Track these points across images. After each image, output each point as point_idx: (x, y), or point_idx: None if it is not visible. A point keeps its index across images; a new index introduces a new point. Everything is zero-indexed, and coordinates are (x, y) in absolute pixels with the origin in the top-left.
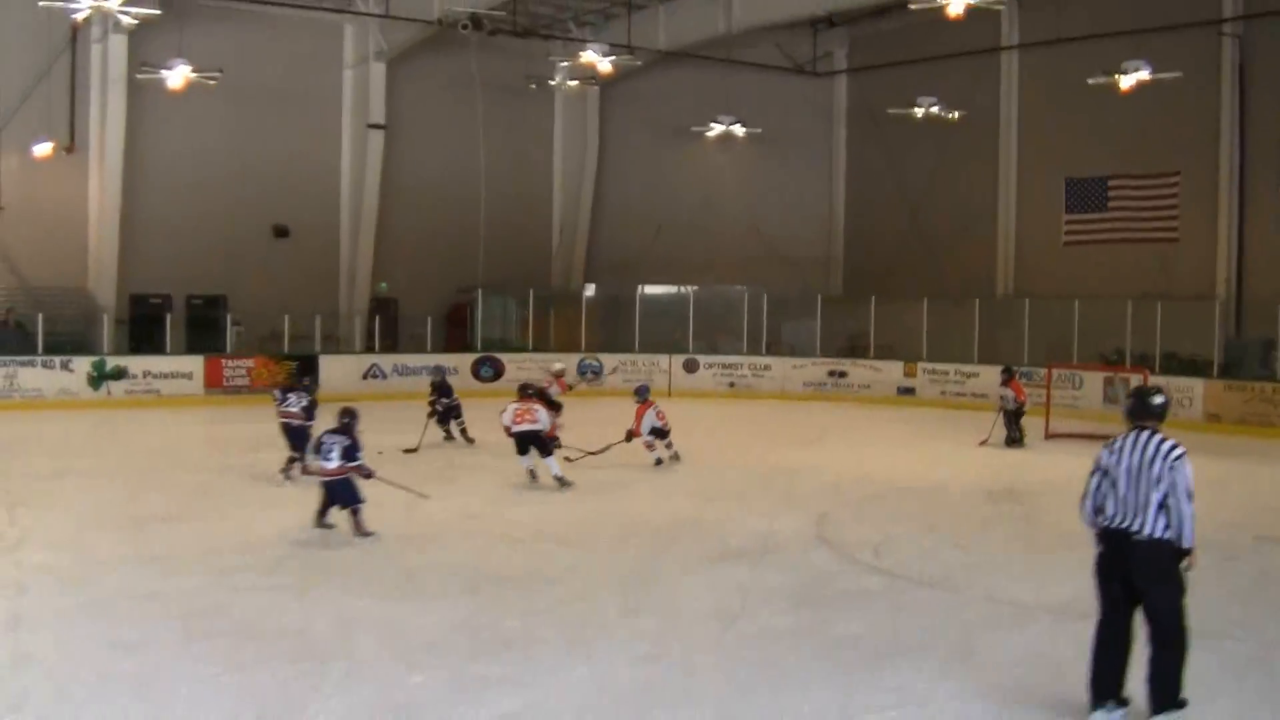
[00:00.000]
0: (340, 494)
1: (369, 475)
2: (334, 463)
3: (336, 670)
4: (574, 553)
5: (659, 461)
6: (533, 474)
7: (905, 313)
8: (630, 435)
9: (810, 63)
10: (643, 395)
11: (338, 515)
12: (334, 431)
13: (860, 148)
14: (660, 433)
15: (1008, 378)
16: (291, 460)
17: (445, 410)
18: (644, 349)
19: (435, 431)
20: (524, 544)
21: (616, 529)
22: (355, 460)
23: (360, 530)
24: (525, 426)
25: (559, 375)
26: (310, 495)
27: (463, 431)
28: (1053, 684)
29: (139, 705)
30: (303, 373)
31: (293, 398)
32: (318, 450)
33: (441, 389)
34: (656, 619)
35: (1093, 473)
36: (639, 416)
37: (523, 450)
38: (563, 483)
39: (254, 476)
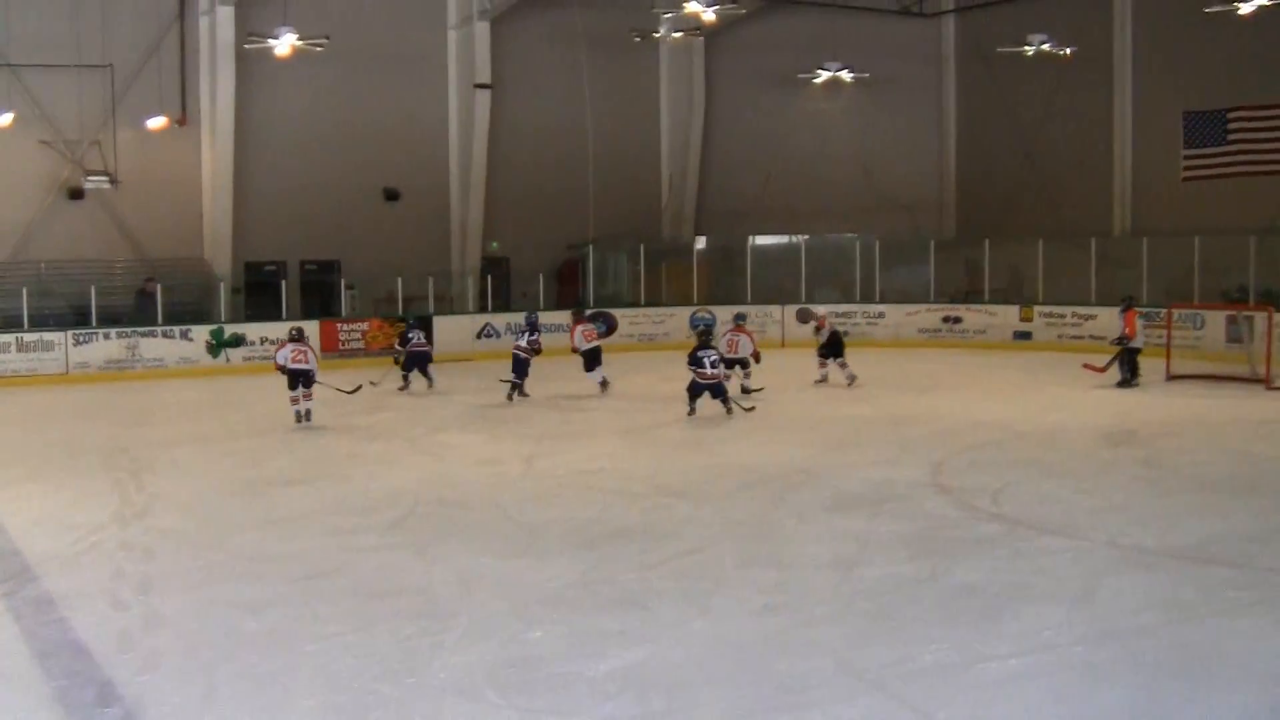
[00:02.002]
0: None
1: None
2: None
3: (457, 627)
4: (690, 505)
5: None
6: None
7: (1020, 255)
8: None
9: (917, 4)
10: (738, 320)
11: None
12: None
13: (970, 89)
14: (739, 363)
15: (1124, 308)
16: (515, 384)
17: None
18: (756, 300)
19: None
20: (640, 498)
21: (732, 480)
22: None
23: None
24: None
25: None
26: (425, 459)
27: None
28: (1179, 629)
29: (265, 664)
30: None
31: (522, 340)
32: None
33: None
34: (774, 570)
35: None
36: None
37: (589, 366)
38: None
39: (372, 438)
